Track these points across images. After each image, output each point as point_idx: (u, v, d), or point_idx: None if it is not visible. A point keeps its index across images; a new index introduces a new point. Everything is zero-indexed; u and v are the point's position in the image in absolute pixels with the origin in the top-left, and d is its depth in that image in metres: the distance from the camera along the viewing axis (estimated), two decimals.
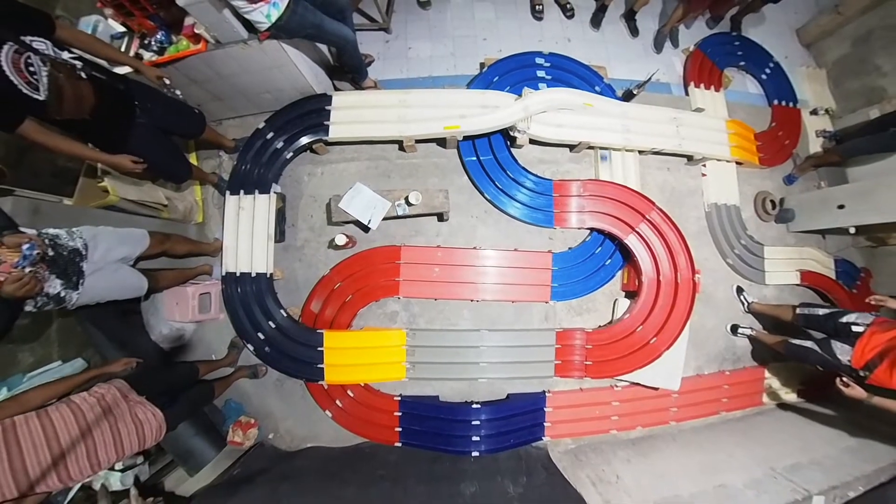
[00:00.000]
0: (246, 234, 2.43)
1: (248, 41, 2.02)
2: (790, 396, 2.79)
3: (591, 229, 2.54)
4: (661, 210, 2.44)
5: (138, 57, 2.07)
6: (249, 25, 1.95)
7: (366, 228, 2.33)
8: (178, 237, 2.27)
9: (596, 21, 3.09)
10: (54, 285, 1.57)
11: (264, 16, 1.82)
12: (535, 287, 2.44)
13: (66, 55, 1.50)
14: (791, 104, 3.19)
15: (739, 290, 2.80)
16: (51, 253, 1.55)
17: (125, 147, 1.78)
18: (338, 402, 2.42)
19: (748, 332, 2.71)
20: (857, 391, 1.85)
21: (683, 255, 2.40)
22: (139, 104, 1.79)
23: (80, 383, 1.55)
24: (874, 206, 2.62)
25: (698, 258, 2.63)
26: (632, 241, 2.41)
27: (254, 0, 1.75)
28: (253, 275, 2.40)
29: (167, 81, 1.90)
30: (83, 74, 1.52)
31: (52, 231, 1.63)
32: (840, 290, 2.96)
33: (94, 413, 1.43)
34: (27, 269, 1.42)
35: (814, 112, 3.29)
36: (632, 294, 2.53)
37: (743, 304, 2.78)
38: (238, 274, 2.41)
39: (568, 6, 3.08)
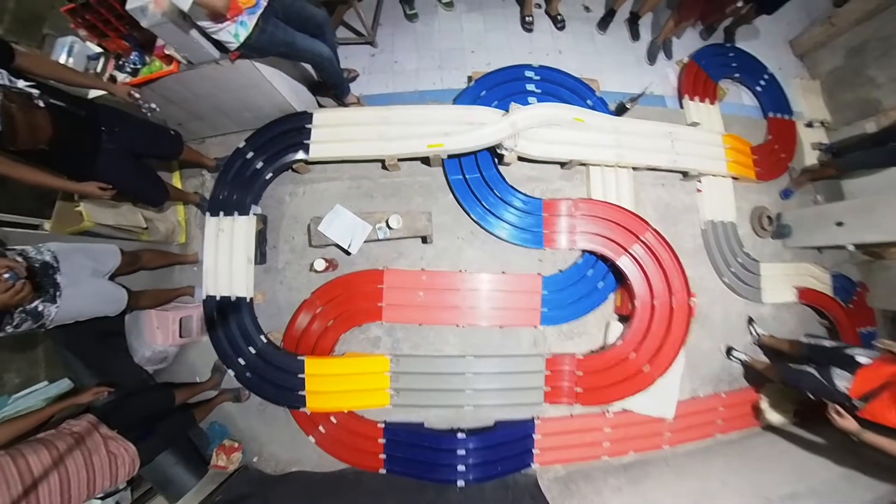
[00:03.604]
0: (225, 256, 2.19)
1: (219, 61, 1.79)
2: (787, 417, 2.52)
3: (583, 250, 2.27)
4: (655, 230, 2.17)
5: (112, 79, 1.88)
6: (221, 45, 1.70)
7: (347, 251, 2.08)
8: (150, 253, 2.09)
9: (604, 25, 2.83)
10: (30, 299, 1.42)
11: (232, 35, 1.60)
12: (523, 311, 2.18)
13: (21, 83, 1.32)
14: (786, 116, 2.90)
15: (750, 321, 2.52)
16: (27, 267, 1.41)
17: (91, 174, 1.61)
18: (321, 427, 2.19)
19: (742, 357, 2.44)
20: (849, 423, 1.62)
21: (678, 277, 2.13)
22: (105, 129, 1.61)
23: (48, 416, 1.41)
24: (874, 223, 2.35)
25: (694, 278, 2.36)
26: (624, 263, 2.14)
27: (219, 20, 1.51)
28: (233, 299, 2.16)
29: (136, 95, 1.70)
30: (41, 103, 1.36)
31: (17, 248, 1.47)
32: (837, 307, 2.69)
33: (68, 448, 1.31)
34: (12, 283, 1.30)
35: (809, 124, 3.00)
36: (625, 318, 2.27)
37: (752, 334, 2.50)
38: (218, 297, 2.17)
39: (559, 17, 2.80)
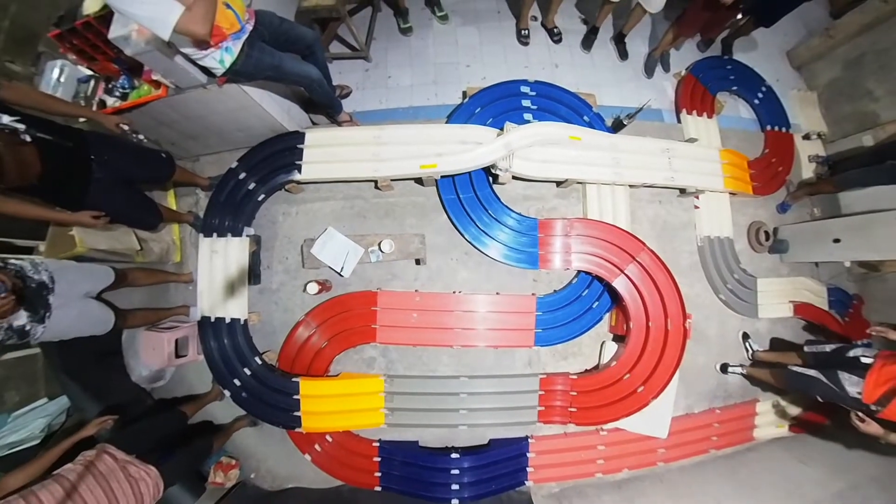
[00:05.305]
0: (220, 278, 2.11)
1: (206, 86, 1.71)
2: (781, 431, 2.45)
3: (578, 270, 2.18)
4: (651, 251, 2.08)
5: (102, 104, 1.82)
6: (208, 70, 1.62)
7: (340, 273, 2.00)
8: (138, 271, 2.04)
9: (587, 43, 2.69)
10: (20, 318, 1.41)
11: (217, 61, 1.51)
12: (518, 332, 2.10)
13: (6, 119, 1.26)
14: (784, 129, 2.78)
15: (745, 337, 2.44)
16: (20, 284, 1.40)
17: (83, 204, 1.56)
18: (317, 446, 2.13)
19: (738, 370, 2.36)
20: (873, 427, 1.59)
21: (674, 299, 2.04)
22: (95, 158, 1.55)
23: (57, 456, 1.38)
24: (870, 242, 2.26)
25: (690, 294, 2.27)
26: (620, 285, 2.05)
27: (203, 47, 1.42)
28: (227, 321, 2.09)
29: (126, 128, 1.65)
30: (27, 137, 1.30)
31: (16, 262, 1.46)
32: (833, 321, 2.60)
33: (83, 480, 1.29)
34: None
35: (806, 136, 2.89)
36: (620, 337, 2.19)
37: (748, 350, 2.42)
38: (213, 319, 2.10)
39: (555, 30, 2.68)
